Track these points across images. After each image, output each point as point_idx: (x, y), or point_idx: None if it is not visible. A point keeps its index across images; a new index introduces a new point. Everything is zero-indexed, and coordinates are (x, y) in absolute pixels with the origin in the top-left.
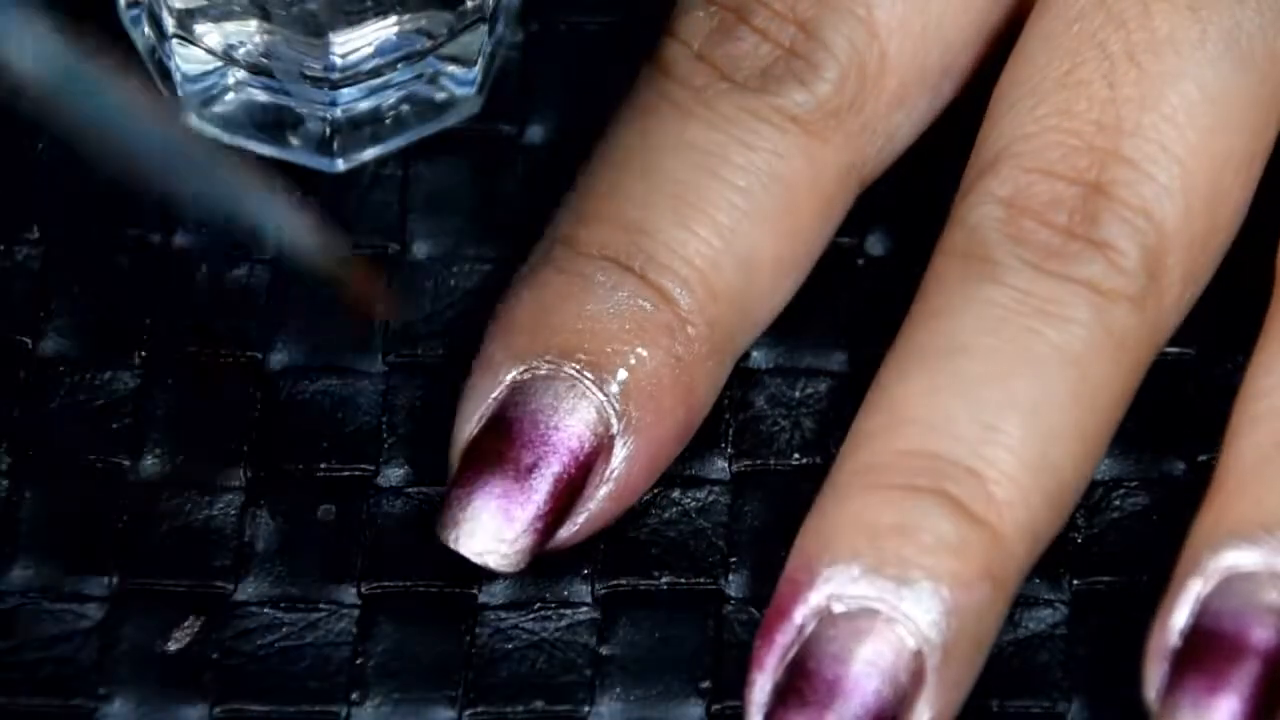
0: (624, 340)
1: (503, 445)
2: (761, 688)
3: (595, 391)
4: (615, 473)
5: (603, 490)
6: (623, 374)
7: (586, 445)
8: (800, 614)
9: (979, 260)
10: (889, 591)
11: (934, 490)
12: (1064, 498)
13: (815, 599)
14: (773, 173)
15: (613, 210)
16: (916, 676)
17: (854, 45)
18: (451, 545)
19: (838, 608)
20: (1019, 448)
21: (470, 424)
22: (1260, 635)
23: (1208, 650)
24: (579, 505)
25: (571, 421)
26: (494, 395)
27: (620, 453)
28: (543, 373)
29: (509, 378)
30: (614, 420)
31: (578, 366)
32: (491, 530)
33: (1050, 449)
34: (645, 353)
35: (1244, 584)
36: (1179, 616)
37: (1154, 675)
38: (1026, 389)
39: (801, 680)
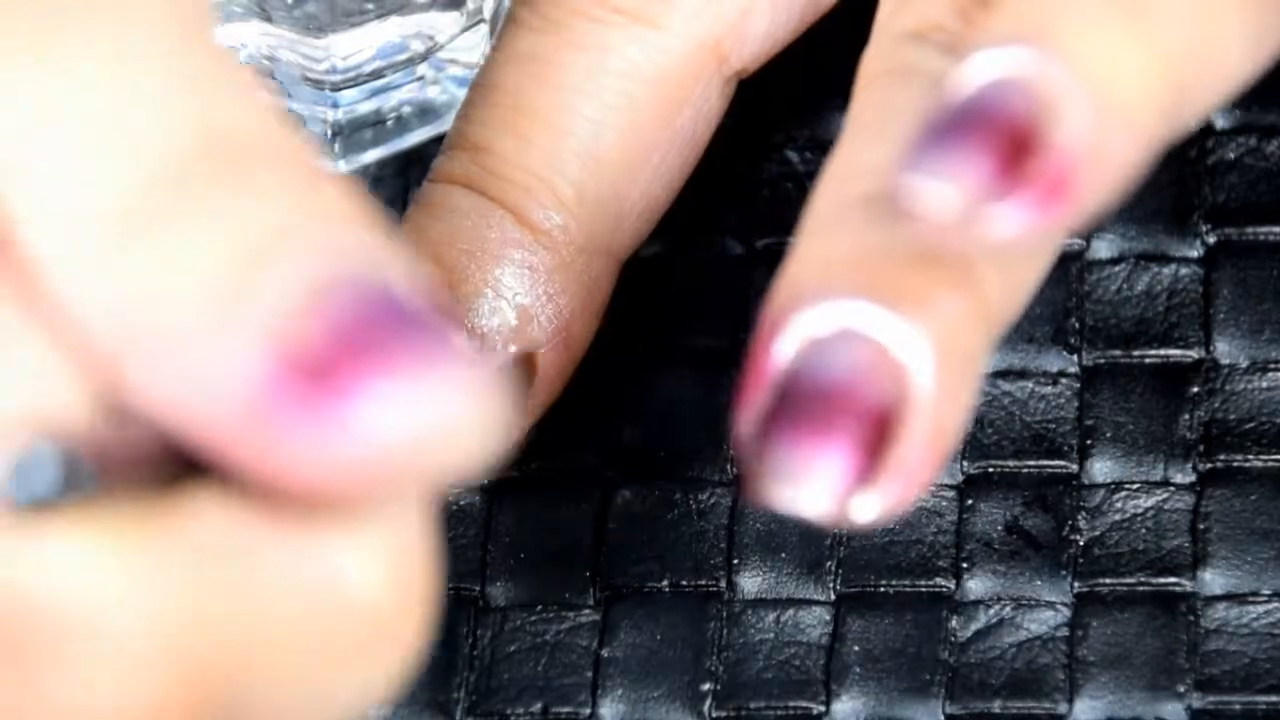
0: (470, 262)
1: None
2: (748, 425)
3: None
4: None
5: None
6: (477, 300)
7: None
8: (779, 345)
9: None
10: (869, 312)
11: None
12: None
13: (794, 330)
14: (601, 68)
15: (460, 135)
16: (903, 389)
17: None
18: None
19: (820, 333)
20: None
21: None
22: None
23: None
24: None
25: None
26: None
27: (487, 367)
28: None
29: None
30: (470, 346)
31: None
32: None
33: None
34: (497, 272)
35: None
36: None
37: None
38: None
39: (789, 398)
